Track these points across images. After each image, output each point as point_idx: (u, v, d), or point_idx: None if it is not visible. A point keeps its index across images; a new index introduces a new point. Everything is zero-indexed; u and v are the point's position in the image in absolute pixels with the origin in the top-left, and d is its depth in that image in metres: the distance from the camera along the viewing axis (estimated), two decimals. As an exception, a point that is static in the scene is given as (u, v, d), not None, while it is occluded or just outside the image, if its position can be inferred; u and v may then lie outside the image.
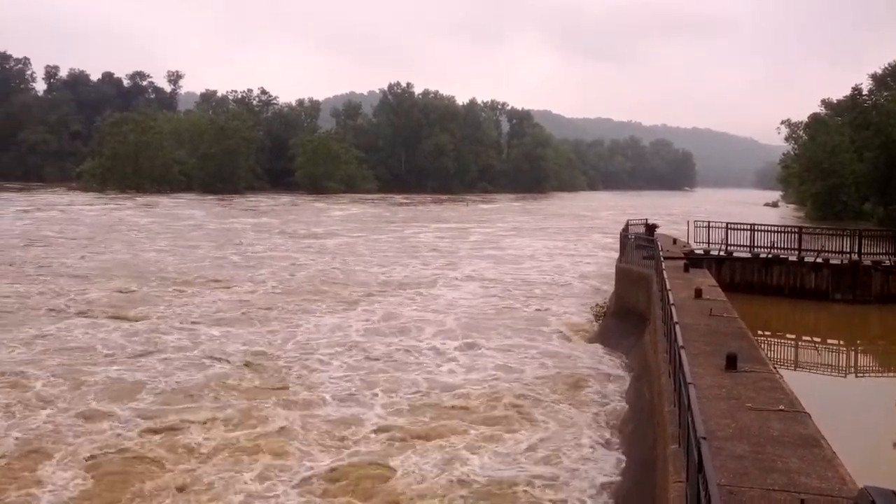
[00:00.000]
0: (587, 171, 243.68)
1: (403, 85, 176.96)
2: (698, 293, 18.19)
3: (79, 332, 22.70)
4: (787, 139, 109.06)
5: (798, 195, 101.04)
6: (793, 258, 27.58)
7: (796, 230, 29.83)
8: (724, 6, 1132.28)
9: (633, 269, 24.35)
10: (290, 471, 12.64)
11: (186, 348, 21.02)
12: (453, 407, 16.30)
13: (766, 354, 13.81)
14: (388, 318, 26.42)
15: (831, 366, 20.27)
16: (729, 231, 29.11)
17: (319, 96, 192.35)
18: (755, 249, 28.29)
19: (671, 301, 13.47)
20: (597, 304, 28.64)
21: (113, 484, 11.97)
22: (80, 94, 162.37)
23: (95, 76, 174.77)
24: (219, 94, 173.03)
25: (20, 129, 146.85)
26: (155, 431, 14.30)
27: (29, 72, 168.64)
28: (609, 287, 29.32)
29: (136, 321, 24.56)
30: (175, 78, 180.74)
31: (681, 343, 9.61)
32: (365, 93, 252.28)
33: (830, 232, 29.30)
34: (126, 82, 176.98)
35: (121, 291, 30.49)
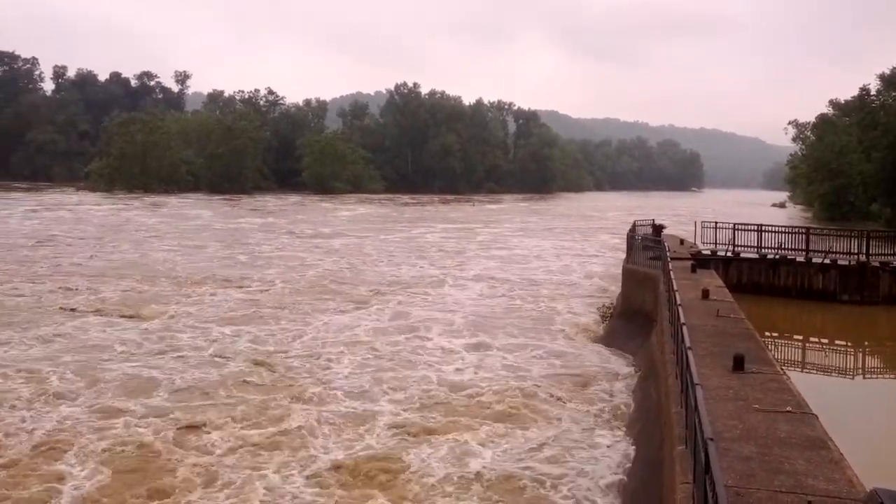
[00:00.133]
0: (594, 171, 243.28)
1: (410, 85, 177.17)
2: (705, 294, 18.19)
3: (94, 331, 22.95)
4: (794, 140, 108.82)
5: (805, 196, 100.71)
6: (800, 259, 27.52)
7: (804, 231, 29.75)
8: (731, 5, 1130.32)
9: (640, 270, 24.35)
10: (305, 465, 12.87)
11: (200, 347, 21.28)
12: (463, 404, 16.49)
13: (774, 356, 13.79)
14: (397, 317, 26.58)
15: (839, 367, 20.22)
16: (736, 232, 29.07)
17: (326, 96, 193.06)
18: (762, 250, 28.25)
19: (678, 302, 13.45)
20: (604, 305, 28.67)
21: (132, 479, 12.18)
22: (88, 94, 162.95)
23: (103, 76, 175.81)
24: (226, 94, 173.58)
25: (28, 129, 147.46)
26: (172, 428, 14.51)
27: (37, 72, 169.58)
28: (616, 287, 29.34)
29: (149, 320, 24.80)
30: (182, 78, 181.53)
31: (688, 344, 9.58)
32: (372, 93, 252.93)
33: (838, 233, 29.18)
34: (134, 82, 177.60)
35: (132, 291, 30.73)
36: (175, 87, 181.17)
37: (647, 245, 26.05)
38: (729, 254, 28.43)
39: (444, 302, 29.92)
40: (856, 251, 27.22)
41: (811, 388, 12.88)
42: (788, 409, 9.52)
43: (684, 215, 79.61)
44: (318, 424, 14.88)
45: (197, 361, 19.61)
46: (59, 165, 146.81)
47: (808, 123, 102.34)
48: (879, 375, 20.39)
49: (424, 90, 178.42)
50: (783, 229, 29.99)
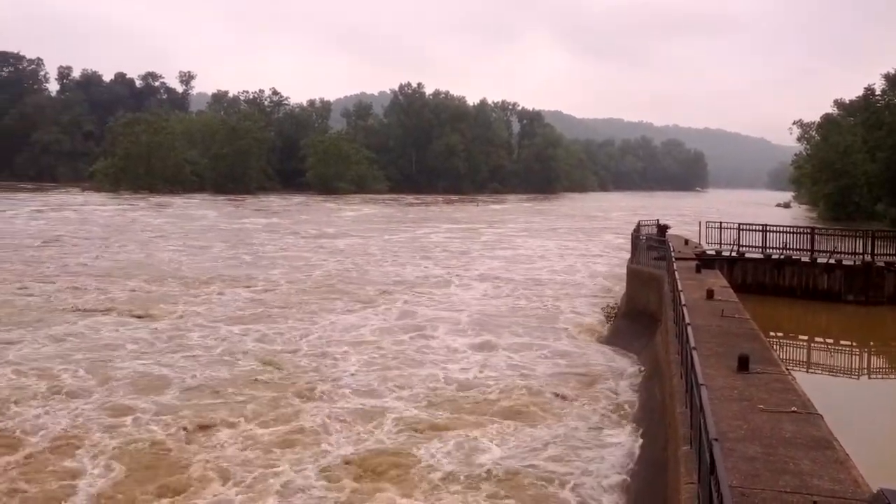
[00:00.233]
0: (598, 171, 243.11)
1: (414, 85, 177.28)
2: (710, 294, 18.21)
3: (105, 330, 23.16)
4: (799, 140, 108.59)
5: (810, 196, 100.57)
6: (805, 259, 27.52)
7: (808, 231, 29.74)
8: (735, 4, 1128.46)
9: (645, 270, 24.37)
10: (317, 460, 13.04)
11: (209, 346, 21.48)
12: (470, 402, 16.66)
13: (779, 356, 13.81)
14: (403, 316, 26.74)
15: (844, 367, 20.22)
16: (741, 232, 29.09)
17: (330, 97, 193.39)
18: (767, 250, 28.26)
19: (683, 302, 13.49)
20: (608, 305, 28.70)
21: (145, 476, 12.34)
22: (92, 95, 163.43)
23: (108, 77, 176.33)
24: (230, 94, 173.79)
25: (33, 129, 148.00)
26: (184, 425, 14.67)
27: (42, 72, 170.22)
28: (620, 288, 29.37)
29: (159, 319, 25.01)
30: (187, 78, 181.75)
31: (692, 344, 9.60)
32: (376, 93, 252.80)
33: (843, 233, 29.18)
34: (138, 83, 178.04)
35: (140, 290, 30.94)
36: (179, 88, 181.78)
37: (651, 245, 26.08)
38: (733, 254, 28.44)
39: (449, 301, 30.03)
40: (861, 251, 27.23)
41: (816, 388, 12.90)
42: (793, 409, 9.51)
43: (689, 215, 79.56)
44: (329, 421, 15.08)
45: (207, 360, 19.83)
46: (64, 166, 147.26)
47: (813, 123, 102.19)
48: (884, 375, 20.38)
49: (428, 90, 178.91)
50: (788, 229, 29.97)
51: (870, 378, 19.78)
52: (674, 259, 20.17)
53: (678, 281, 16.53)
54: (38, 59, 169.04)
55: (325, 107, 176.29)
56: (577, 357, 21.02)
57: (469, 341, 22.74)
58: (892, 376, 20.35)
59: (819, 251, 27.57)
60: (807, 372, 18.60)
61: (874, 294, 26.26)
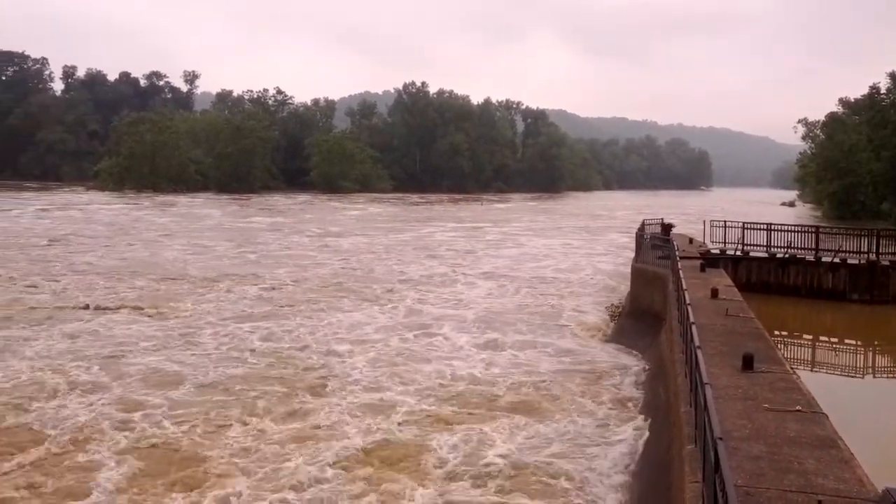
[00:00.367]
0: (602, 170, 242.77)
1: (418, 84, 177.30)
2: (714, 293, 18.22)
3: (116, 328, 23.40)
4: (804, 138, 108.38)
5: (815, 195, 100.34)
6: (810, 258, 27.49)
7: (813, 230, 29.67)
8: (736, 4, 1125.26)
9: (649, 269, 24.40)
10: (329, 453, 13.25)
11: (220, 343, 21.75)
12: (477, 397, 16.89)
13: (783, 355, 13.81)
14: (410, 314, 26.95)
15: (849, 366, 20.21)
16: (745, 231, 29.07)
17: (335, 96, 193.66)
18: (772, 249, 28.23)
19: (687, 301, 13.49)
20: (612, 304, 28.73)
21: (161, 470, 12.54)
22: (97, 94, 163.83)
23: (112, 76, 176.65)
24: (234, 93, 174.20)
25: (38, 128, 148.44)
26: (198, 421, 14.89)
27: (47, 72, 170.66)
28: (625, 286, 29.38)
29: (169, 317, 25.29)
30: (191, 78, 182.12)
31: (697, 343, 9.59)
32: (380, 92, 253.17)
33: (848, 232, 29.13)
34: (143, 82, 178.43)
35: (148, 289, 31.18)
36: (184, 87, 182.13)
37: (656, 244, 26.11)
38: (738, 253, 28.44)
39: (455, 300, 30.18)
40: (865, 250, 27.19)
41: (821, 387, 12.92)
42: (798, 408, 9.51)
43: (693, 214, 79.51)
44: (340, 415, 15.34)
45: (218, 357, 20.10)
46: (69, 165, 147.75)
47: (818, 122, 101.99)
48: (889, 374, 20.42)
49: (433, 89, 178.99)
50: (792, 228, 29.93)
51: (875, 377, 19.80)
52: (678, 258, 20.21)
53: (682, 280, 16.56)
54: (43, 58, 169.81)
55: (329, 106, 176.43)
56: (581, 355, 21.13)
57: (475, 339, 22.92)
58: (897, 375, 20.35)
59: (824, 250, 27.54)
60: (811, 371, 18.62)
61: (879, 293, 26.22)
